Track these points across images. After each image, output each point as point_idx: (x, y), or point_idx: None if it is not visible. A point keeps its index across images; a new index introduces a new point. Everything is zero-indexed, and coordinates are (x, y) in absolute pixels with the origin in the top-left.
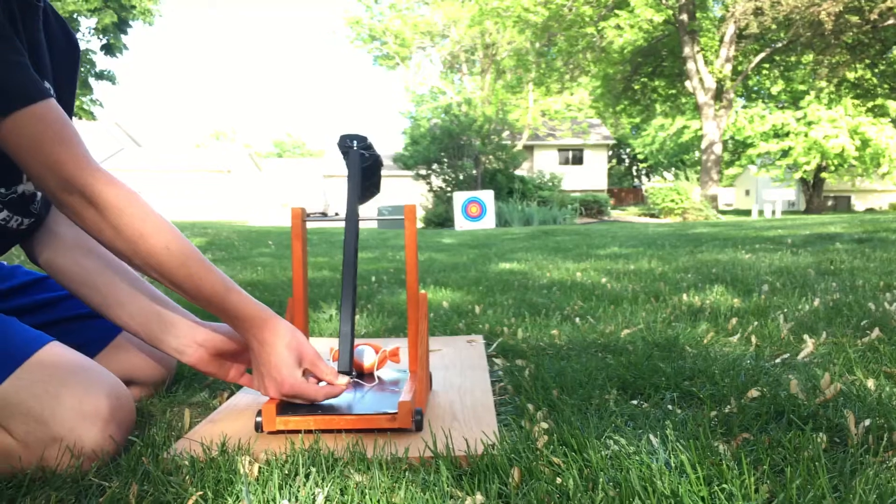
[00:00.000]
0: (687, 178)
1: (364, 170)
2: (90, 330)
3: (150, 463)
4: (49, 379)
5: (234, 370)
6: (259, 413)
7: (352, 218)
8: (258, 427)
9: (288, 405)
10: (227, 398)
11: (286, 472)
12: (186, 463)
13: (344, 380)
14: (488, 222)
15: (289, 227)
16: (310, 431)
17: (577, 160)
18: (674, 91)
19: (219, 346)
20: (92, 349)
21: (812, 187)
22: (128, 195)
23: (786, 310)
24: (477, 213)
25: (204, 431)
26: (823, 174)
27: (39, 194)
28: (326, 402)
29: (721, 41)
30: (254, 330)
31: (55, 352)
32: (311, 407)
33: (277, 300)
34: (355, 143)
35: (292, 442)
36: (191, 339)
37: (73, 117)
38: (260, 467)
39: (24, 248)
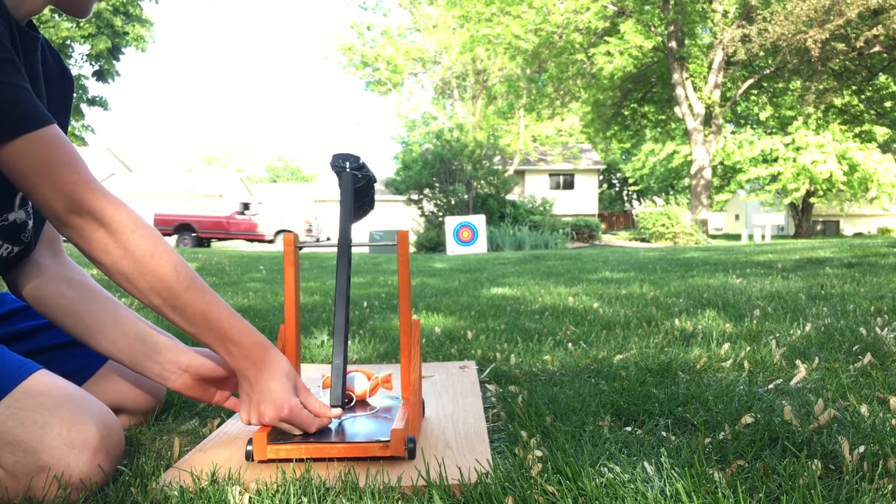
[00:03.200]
0: (677, 203)
1: (357, 190)
2: (78, 358)
3: (139, 493)
4: (37, 408)
5: (218, 394)
6: (250, 442)
7: (344, 244)
8: (249, 456)
9: (279, 434)
10: (218, 426)
11: (277, 502)
12: (175, 493)
13: (336, 412)
14: (480, 247)
15: (280, 252)
16: (301, 460)
17: (568, 185)
18: (663, 117)
19: (203, 372)
20: (80, 377)
21: (801, 212)
22: (136, 217)
23: (778, 335)
24: (468, 238)
25: (193, 461)
26: (812, 199)
27: (30, 223)
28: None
29: (709, 68)
30: (254, 357)
31: (43, 380)
32: (302, 435)
33: (269, 326)
34: (348, 164)
35: (283, 471)
36: (174, 365)
37: None
38: (250, 497)
39: (7, 279)
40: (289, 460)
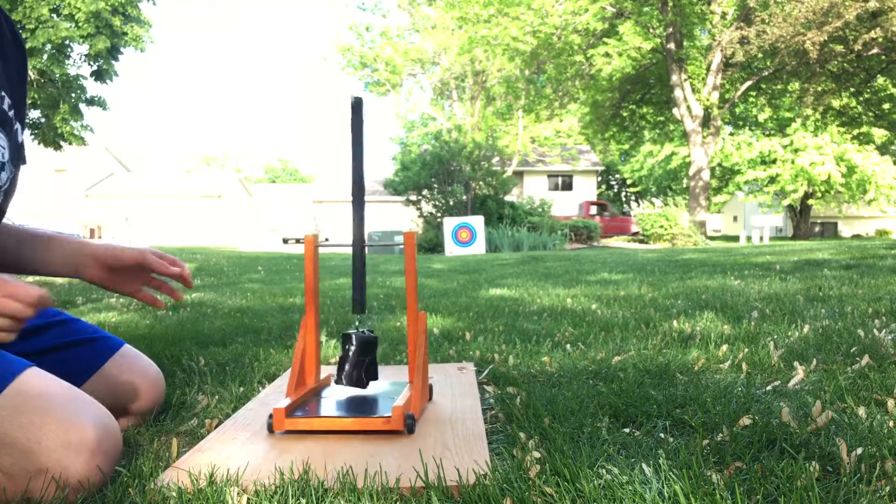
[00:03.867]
0: (675, 205)
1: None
2: (75, 360)
3: (137, 494)
4: (34, 409)
5: (127, 286)
6: (270, 416)
7: (358, 243)
8: (270, 427)
9: (296, 408)
10: (216, 427)
11: (276, 503)
12: (174, 494)
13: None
14: (478, 248)
15: (279, 253)
16: (315, 432)
17: (567, 186)
18: (662, 118)
19: (108, 261)
20: (78, 379)
21: (799, 213)
22: None
23: (776, 336)
24: (467, 239)
25: (192, 461)
26: (810, 201)
27: None
28: (328, 406)
29: (708, 69)
30: None
31: (36, 380)
32: (315, 410)
33: (266, 327)
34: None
35: (281, 472)
36: (88, 258)
37: (64, 142)
38: (249, 498)
39: None
40: (305, 431)
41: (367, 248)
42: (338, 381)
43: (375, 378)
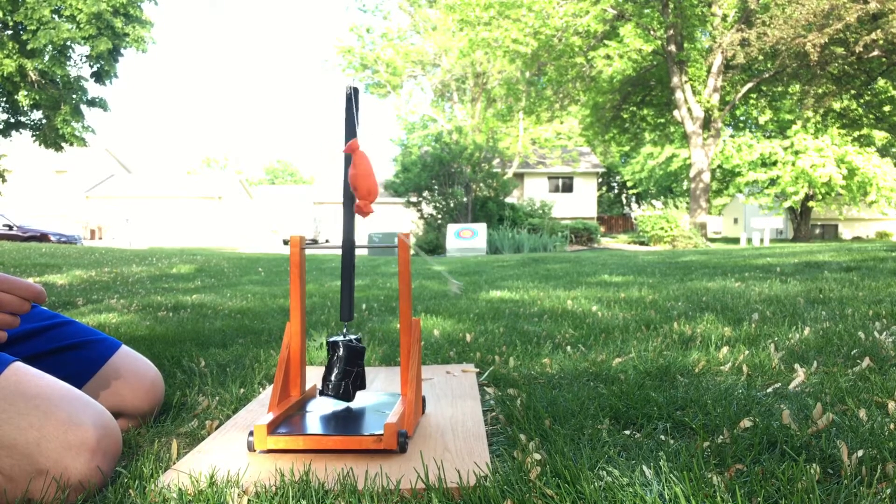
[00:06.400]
0: (676, 206)
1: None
2: (74, 363)
3: (138, 495)
4: (33, 410)
5: None
6: (251, 433)
7: (349, 244)
8: (250, 446)
9: (278, 425)
10: (216, 428)
11: None
12: (174, 495)
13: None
14: (480, 242)
15: (279, 254)
16: (299, 451)
17: (567, 188)
18: (662, 120)
19: None
20: (77, 381)
21: (800, 216)
22: None
23: (776, 338)
24: (469, 236)
25: (192, 462)
26: (811, 203)
27: None
28: (313, 421)
29: (709, 71)
30: None
31: (34, 380)
32: (300, 427)
33: (267, 328)
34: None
35: (282, 474)
36: None
37: (65, 143)
38: (249, 500)
39: None
40: (288, 451)
41: (367, 250)
42: (322, 393)
43: (363, 388)
